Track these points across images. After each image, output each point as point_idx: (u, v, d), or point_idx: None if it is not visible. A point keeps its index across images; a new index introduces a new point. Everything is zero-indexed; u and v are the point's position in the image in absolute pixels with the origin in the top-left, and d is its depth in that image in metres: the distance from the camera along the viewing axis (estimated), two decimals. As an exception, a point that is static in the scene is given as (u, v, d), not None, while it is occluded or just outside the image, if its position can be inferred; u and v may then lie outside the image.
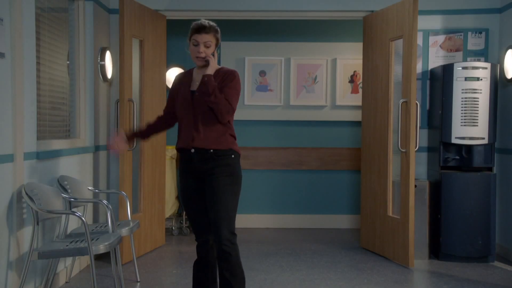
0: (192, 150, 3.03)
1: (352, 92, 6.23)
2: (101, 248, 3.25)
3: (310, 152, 6.26)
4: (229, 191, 3.00)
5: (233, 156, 3.06)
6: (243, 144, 6.25)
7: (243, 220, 6.24)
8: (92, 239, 3.34)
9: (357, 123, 6.06)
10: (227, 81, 3.07)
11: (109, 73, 5.00)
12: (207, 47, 3.06)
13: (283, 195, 6.31)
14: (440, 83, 4.86)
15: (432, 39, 5.13)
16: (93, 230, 3.85)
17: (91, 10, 4.61)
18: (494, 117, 4.71)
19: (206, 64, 3.06)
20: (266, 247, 5.29)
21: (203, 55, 3.05)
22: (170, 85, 6.21)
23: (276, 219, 6.29)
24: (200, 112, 3.03)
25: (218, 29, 3.14)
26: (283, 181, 6.31)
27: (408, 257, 4.52)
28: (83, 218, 3.27)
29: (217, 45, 3.13)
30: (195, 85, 3.10)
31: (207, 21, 3.11)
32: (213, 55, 3.10)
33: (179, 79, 3.22)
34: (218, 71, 3.08)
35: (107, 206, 3.64)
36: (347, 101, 6.23)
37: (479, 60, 5.01)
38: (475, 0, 5.05)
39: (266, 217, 6.29)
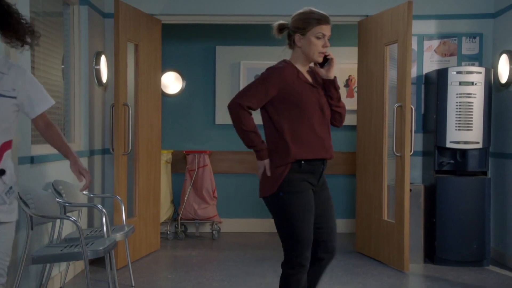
0: (325, 161, 2.72)
1: (347, 96, 6.24)
2: (96, 253, 3.23)
3: (306, 156, 6.25)
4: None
5: None
6: (239, 149, 6.23)
7: (239, 224, 6.23)
8: (87, 244, 3.33)
9: (352, 127, 6.06)
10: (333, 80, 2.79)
11: (104, 77, 5.00)
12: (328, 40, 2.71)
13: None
14: (434, 87, 4.87)
15: (426, 43, 5.15)
16: (87, 234, 3.84)
17: (86, 15, 4.61)
18: (488, 122, 4.72)
19: (324, 62, 2.70)
20: (261, 251, 5.29)
21: (325, 50, 2.69)
22: (165, 90, 6.26)
23: (272, 224, 6.20)
24: (328, 118, 2.74)
25: None
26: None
27: (403, 261, 4.52)
28: (78, 223, 3.26)
29: None
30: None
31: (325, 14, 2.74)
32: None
33: (290, 73, 2.69)
34: (311, 70, 2.78)
35: (102, 211, 3.63)
36: (342, 105, 6.22)
37: (473, 65, 5.04)
38: (469, 5, 5.08)
39: (262, 222, 6.28)
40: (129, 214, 4.81)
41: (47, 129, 2.49)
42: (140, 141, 4.89)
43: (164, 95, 6.19)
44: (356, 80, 5.50)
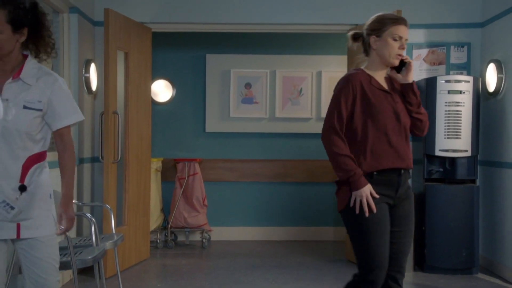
0: (402, 171, 2.55)
1: (337, 105, 6.26)
2: (84, 262, 3.21)
3: (296, 164, 6.27)
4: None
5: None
6: (228, 157, 6.26)
7: (229, 233, 6.22)
8: (75, 253, 3.30)
9: (342, 136, 6.08)
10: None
11: (94, 86, 4.98)
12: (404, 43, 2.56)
13: (269, 208, 6.30)
14: (423, 96, 4.90)
15: (415, 52, 5.19)
16: (76, 243, 3.81)
17: (75, 23, 4.61)
18: (476, 130, 4.76)
19: (401, 65, 2.56)
20: (252, 259, 5.27)
21: (402, 52, 2.55)
22: (156, 98, 6.25)
23: (262, 232, 6.28)
24: (406, 126, 2.58)
25: None
26: (269, 194, 6.30)
27: (393, 269, 4.52)
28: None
29: None
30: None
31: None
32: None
33: (363, 81, 2.56)
34: (388, 77, 2.64)
35: (91, 219, 3.60)
36: (332, 114, 6.25)
37: (461, 74, 5.08)
38: (457, 14, 5.13)
39: (252, 230, 6.27)
40: (119, 223, 4.78)
41: (62, 149, 2.37)
42: (129, 149, 4.88)
43: (154, 103, 6.18)
44: (346, 88, 5.52)
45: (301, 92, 6.27)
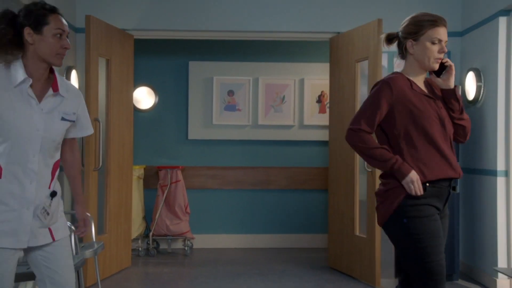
0: (452, 181, 2.43)
1: (319, 112, 6.30)
2: (63, 271, 3.16)
3: (278, 172, 6.28)
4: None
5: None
6: (211, 164, 6.24)
7: (211, 241, 6.19)
8: (54, 262, 3.26)
9: (325, 143, 6.11)
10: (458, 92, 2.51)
11: (75, 92, 4.94)
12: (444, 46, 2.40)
13: (251, 215, 6.29)
14: (404, 103, 4.95)
15: (396, 60, 5.23)
16: (55, 252, 3.76)
17: (56, 29, 4.56)
18: (456, 137, 4.81)
19: (441, 70, 2.40)
20: (234, 267, 5.25)
21: (442, 56, 2.38)
22: (138, 105, 6.22)
23: (245, 239, 6.26)
24: (450, 133, 2.43)
25: None
26: (252, 201, 6.30)
27: (374, 276, 4.54)
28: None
29: None
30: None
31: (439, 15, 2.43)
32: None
33: (402, 84, 2.40)
34: (427, 82, 2.50)
35: (70, 228, 3.56)
36: (315, 121, 6.29)
37: (442, 82, 5.13)
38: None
39: (235, 237, 6.26)
40: (100, 231, 4.73)
41: (72, 155, 2.57)
42: (111, 156, 4.84)
43: (137, 110, 6.15)
44: (328, 96, 5.56)
45: (284, 100, 6.29)
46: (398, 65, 5.20)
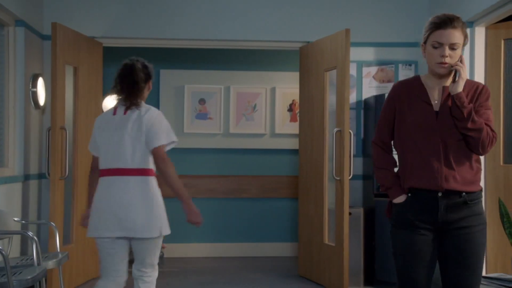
0: (440, 194, 2.27)
1: (291, 121, 6.32)
2: (23, 282, 3.10)
3: (250, 180, 6.27)
4: (482, 251, 2.29)
5: (481, 199, 2.31)
6: (183, 172, 6.20)
7: (182, 250, 6.14)
8: (14, 273, 3.20)
9: (296, 151, 6.12)
10: (484, 98, 2.30)
11: (42, 100, 4.88)
12: (453, 49, 2.24)
13: (223, 224, 6.26)
14: (373, 112, 5.00)
15: (365, 70, 5.30)
16: (17, 263, 3.69)
17: (22, 36, 4.52)
18: (424, 146, 4.86)
19: (451, 74, 2.27)
20: (205, 276, 5.22)
21: (448, 60, 2.23)
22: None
23: (215, 248, 6.23)
24: (453, 141, 2.27)
25: (466, 26, 2.32)
26: (224, 209, 6.28)
27: (343, 284, 4.55)
28: (2, 252, 3.13)
29: (464, 45, 2.30)
30: (435, 103, 2.30)
31: (455, 14, 2.27)
32: (461, 60, 2.26)
33: (405, 90, 2.36)
34: (482, 86, 2.34)
35: (32, 238, 3.50)
36: (286, 130, 6.31)
37: (409, 91, 5.20)
38: (404, 34, 5.27)
39: (206, 246, 6.22)
40: (67, 241, 4.66)
41: (160, 164, 3.02)
42: (78, 165, 4.78)
43: (107, 118, 6.09)
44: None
45: (255, 108, 6.30)
46: (367, 74, 5.27)
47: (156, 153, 2.99)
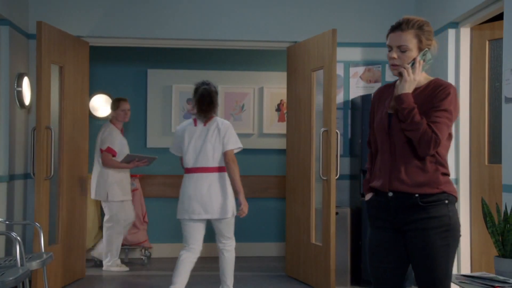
0: (390, 194, 2.31)
1: (279, 121, 6.33)
2: (5, 283, 3.08)
3: (238, 180, 6.25)
4: (444, 253, 2.26)
5: (446, 201, 2.28)
6: (169, 173, 6.18)
7: (169, 250, 6.12)
8: (-3, 274, 3.18)
9: (284, 151, 6.13)
10: (438, 99, 2.27)
11: (27, 100, 4.85)
12: (402, 51, 2.30)
13: (210, 223, 6.24)
14: (360, 113, 5.02)
15: (352, 70, 5.31)
16: (0, 264, 3.66)
17: (6, 35, 4.49)
18: (410, 146, 4.88)
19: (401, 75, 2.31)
20: (192, 277, 5.14)
21: (397, 62, 2.31)
22: (95, 113, 6.14)
23: (203, 248, 6.20)
24: (400, 143, 2.30)
25: (427, 29, 2.31)
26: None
27: (329, 284, 4.56)
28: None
29: (423, 49, 2.30)
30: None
31: (416, 18, 2.31)
32: (413, 63, 2.28)
33: (380, 94, 2.46)
34: (428, 84, 2.33)
35: (16, 238, 3.47)
36: (274, 129, 6.31)
37: (396, 91, 5.22)
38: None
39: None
40: (52, 241, 4.64)
41: (230, 163, 4.01)
42: (64, 165, 4.76)
43: (94, 118, 6.07)
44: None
45: (243, 108, 6.30)
46: (354, 74, 5.28)
47: (227, 155, 4.00)
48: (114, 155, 5.22)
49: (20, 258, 3.46)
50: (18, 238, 3.49)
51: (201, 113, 4.02)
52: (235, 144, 4.04)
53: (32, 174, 4.62)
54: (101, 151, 5.22)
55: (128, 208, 5.38)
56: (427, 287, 2.30)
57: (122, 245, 5.74)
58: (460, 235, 2.32)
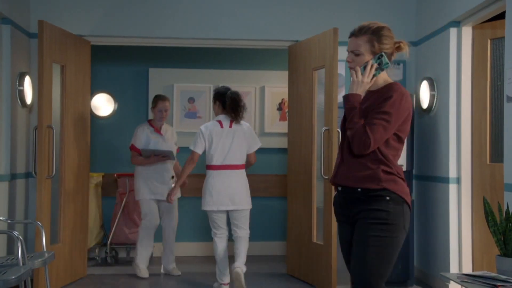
0: (340, 189, 2.50)
1: (280, 120, 6.33)
2: (7, 282, 3.08)
3: (239, 179, 6.25)
4: (375, 244, 2.35)
5: (387, 198, 2.37)
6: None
7: (176, 248, 6.11)
8: (-1, 273, 3.18)
9: (285, 150, 6.13)
10: (380, 101, 2.38)
11: (29, 99, 4.85)
12: (356, 55, 2.43)
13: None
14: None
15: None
16: (2, 263, 3.67)
17: (8, 34, 4.49)
18: (411, 146, 4.89)
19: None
20: (193, 275, 5.21)
21: (351, 65, 2.45)
22: (97, 112, 6.15)
23: (204, 247, 6.22)
24: (348, 140, 2.46)
25: (382, 33, 2.44)
26: (213, 208, 6.26)
27: (331, 283, 4.56)
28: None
29: (377, 53, 2.43)
30: None
31: (372, 23, 2.46)
32: (365, 66, 2.40)
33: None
34: (384, 87, 2.44)
35: (18, 237, 3.48)
36: (276, 129, 6.31)
37: (397, 90, 5.22)
38: (393, 33, 5.27)
39: (194, 245, 6.22)
40: (54, 240, 4.64)
41: (252, 161, 4.69)
42: (65, 164, 4.76)
43: (95, 117, 6.08)
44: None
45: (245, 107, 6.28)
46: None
47: (251, 156, 4.66)
48: (138, 153, 5.14)
49: (22, 257, 3.46)
50: (20, 237, 3.50)
51: (234, 115, 4.49)
52: (258, 145, 4.65)
53: (33, 173, 4.62)
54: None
55: (162, 210, 5.20)
56: (356, 277, 2.38)
57: (123, 244, 5.75)
58: (400, 237, 2.36)
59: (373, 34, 2.43)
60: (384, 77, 2.48)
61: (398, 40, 2.52)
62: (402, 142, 2.45)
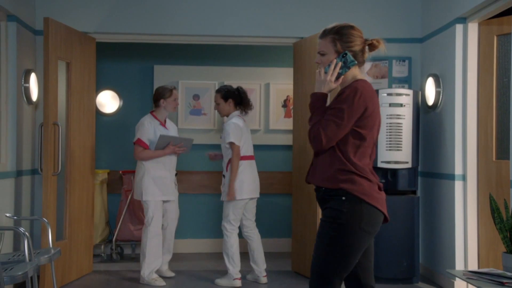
0: (314, 187, 2.58)
1: (285, 117, 6.32)
2: (14, 278, 3.10)
3: (244, 176, 6.25)
4: (325, 241, 2.44)
5: (343, 198, 2.42)
6: (176, 168, 6.18)
7: (175, 246, 6.12)
8: (6, 269, 3.20)
9: (290, 147, 6.13)
10: (334, 99, 2.48)
11: (35, 96, 4.87)
12: (322, 55, 2.53)
13: (216, 219, 6.25)
14: (366, 108, 5.00)
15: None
16: (9, 259, 3.69)
17: (14, 31, 4.50)
18: (416, 142, 4.88)
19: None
20: (197, 272, 5.22)
21: (319, 66, 2.54)
22: (102, 109, 6.16)
23: (209, 244, 6.23)
24: None
25: (344, 32, 2.49)
26: (217, 205, 6.26)
27: (336, 280, 4.56)
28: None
29: (341, 53, 2.47)
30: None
31: (337, 24, 2.53)
32: (329, 65, 2.47)
33: None
34: (345, 88, 2.49)
35: (24, 234, 3.50)
36: (281, 125, 6.31)
37: (403, 87, 5.21)
38: (398, 30, 5.27)
39: (199, 242, 6.23)
40: (59, 237, 4.66)
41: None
42: (71, 161, 4.77)
43: (101, 114, 6.09)
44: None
45: (249, 104, 6.28)
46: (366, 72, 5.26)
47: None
48: (145, 148, 4.71)
49: (28, 253, 3.48)
50: (26, 233, 3.52)
51: (246, 110, 4.87)
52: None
53: (39, 170, 4.64)
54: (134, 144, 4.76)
55: (168, 210, 4.93)
56: (311, 270, 2.53)
57: (128, 240, 5.76)
58: (353, 237, 2.38)
59: (336, 33, 2.49)
60: (354, 75, 2.52)
61: (368, 38, 2.58)
62: (364, 139, 2.45)
